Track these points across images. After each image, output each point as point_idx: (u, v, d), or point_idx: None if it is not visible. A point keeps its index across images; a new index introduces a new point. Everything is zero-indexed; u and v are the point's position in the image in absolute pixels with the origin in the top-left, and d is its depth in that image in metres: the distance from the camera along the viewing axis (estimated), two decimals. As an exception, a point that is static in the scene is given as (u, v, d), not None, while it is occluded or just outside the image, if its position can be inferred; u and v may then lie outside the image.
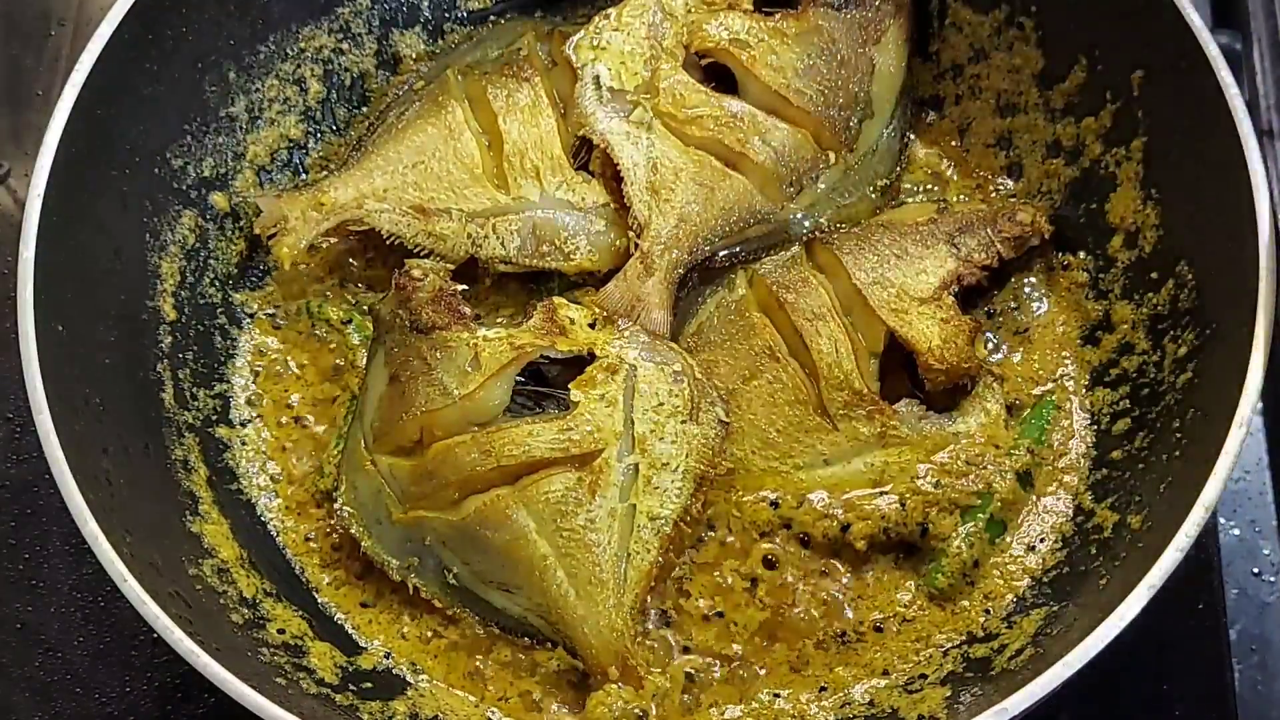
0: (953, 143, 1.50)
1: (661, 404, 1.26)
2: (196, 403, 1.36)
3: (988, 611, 1.27)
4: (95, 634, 1.37)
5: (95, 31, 1.26)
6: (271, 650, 1.20)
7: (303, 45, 1.47)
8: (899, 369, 1.32)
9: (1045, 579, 1.27)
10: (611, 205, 1.40)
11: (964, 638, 1.26)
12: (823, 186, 1.41)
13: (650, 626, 1.27)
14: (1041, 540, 1.29)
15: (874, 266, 1.32)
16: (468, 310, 1.29)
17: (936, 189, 1.48)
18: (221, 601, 1.21)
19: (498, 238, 1.38)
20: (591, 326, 1.28)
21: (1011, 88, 1.45)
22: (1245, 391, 1.10)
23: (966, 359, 1.30)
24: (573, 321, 1.28)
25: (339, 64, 1.51)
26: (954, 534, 1.27)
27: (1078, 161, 1.39)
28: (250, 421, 1.39)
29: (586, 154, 1.42)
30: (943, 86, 1.51)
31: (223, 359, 1.41)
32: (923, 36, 1.50)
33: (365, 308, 1.43)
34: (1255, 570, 1.42)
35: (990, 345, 1.39)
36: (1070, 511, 1.30)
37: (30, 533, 1.41)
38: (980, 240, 1.36)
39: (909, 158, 1.48)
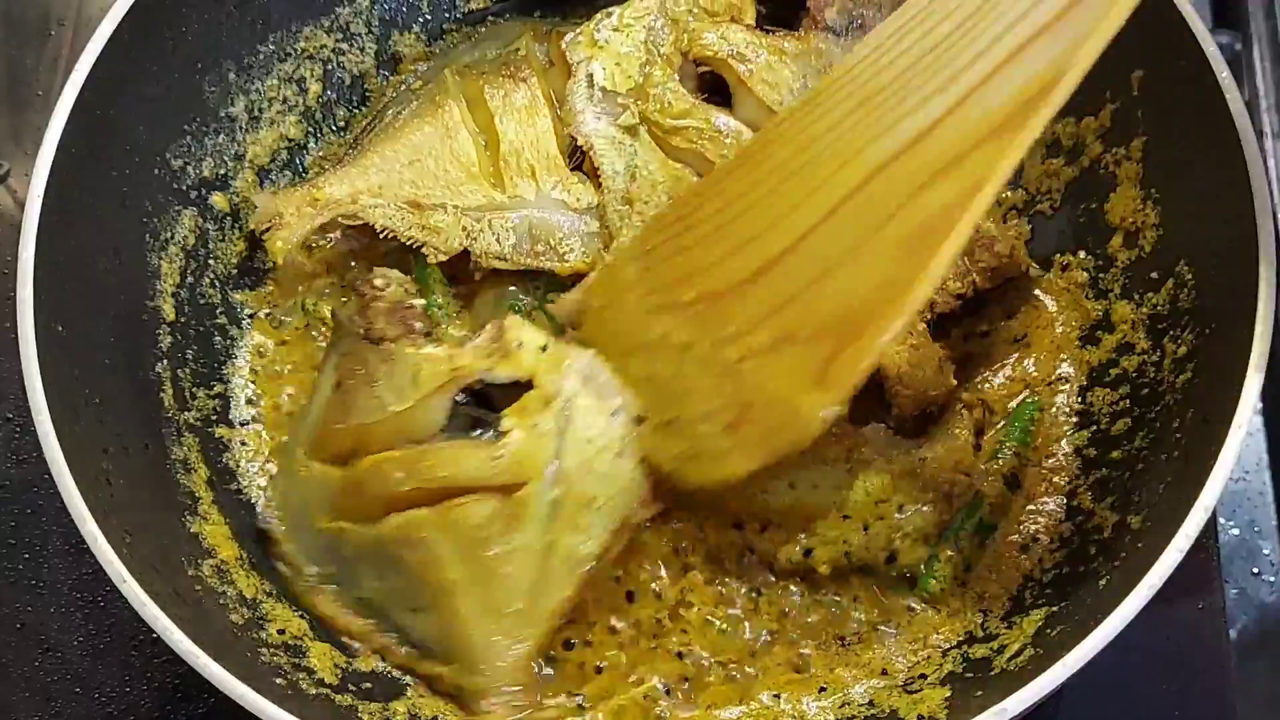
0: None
1: (592, 439, 1.22)
2: (196, 403, 1.36)
3: (985, 612, 1.27)
4: (95, 634, 1.36)
5: (95, 31, 1.26)
6: (271, 650, 1.19)
7: (303, 45, 1.47)
8: (868, 395, 1.27)
9: (1045, 579, 1.27)
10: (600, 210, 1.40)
11: (963, 638, 1.26)
12: None
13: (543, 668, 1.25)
14: (1038, 540, 1.29)
15: None
16: (419, 325, 1.26)
17: None
18: (221, 601, 1.20)
19: (493, 234, 1.38)
20: (543, 350, 1.23)
21: (1011, 88, 1.45)
22: (1245, 391, 1.10)
23: (934, 386, 1.29)
24: (521, 345, 1.22)
25: (339, 64, 1.51)
26: (922, 560, 1.26)
27: (1077, 161, 1.39)
28: (250, 421, 1.39)
29: (582, 155, 1.42)
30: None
31: (223, 359, 1.41)
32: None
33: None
34: (1255, 570, 1.42)
35: (981, 364, 1.37)
36: (1066, 512, 1.30)
37: (30, 533, 1.41)
38: (957, 270, 1.34)
39: None
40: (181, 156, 1.38)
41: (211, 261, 1.42)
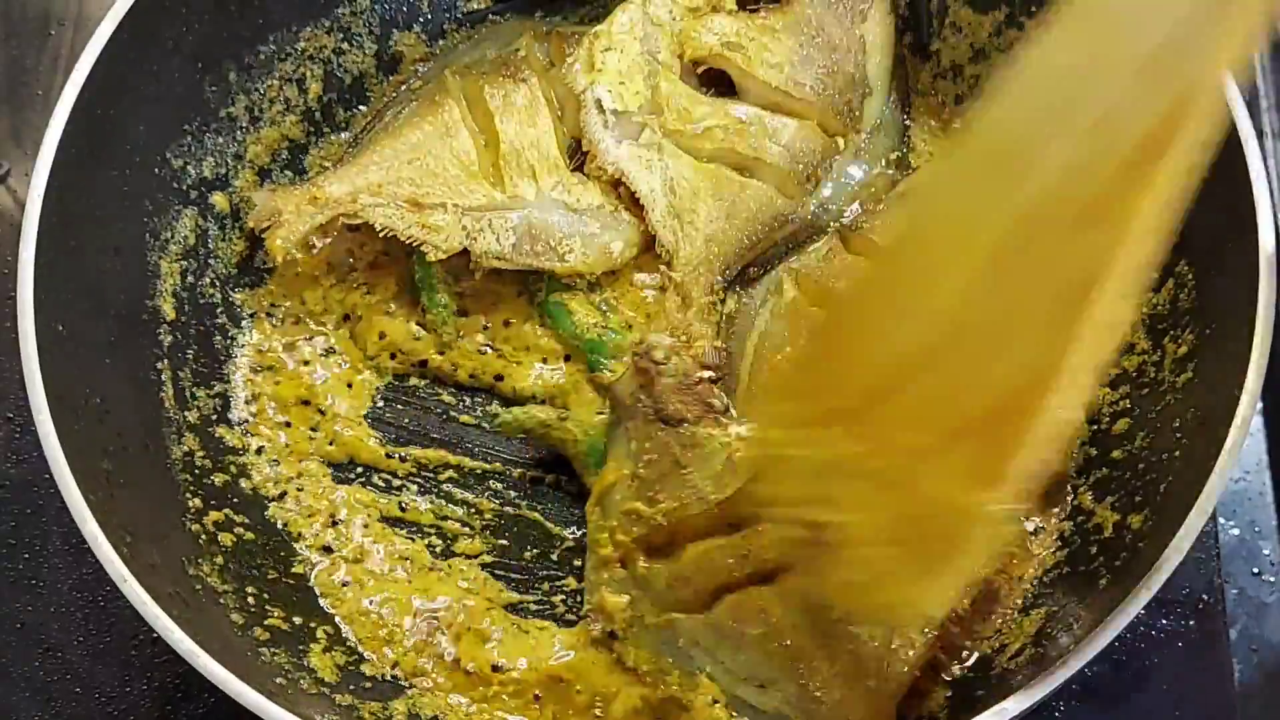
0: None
1: None
2: (196, 403, 1.36)
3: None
4: (95, 634, 1.36)
5: (95, 31, 1.26)
6: (272, 650, 1.20)
7: (303, 45, 1.47)
8: None
9: (1045, 579, 1.27)
10: (606, 208, 1.39)
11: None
12: (837, 173, 1.41)
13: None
14: (1038, 539, 1.29)
15: None
16: (718, 403, 1.21)
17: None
18: (221, 601, 1.20)
19: (493, 233, 1.37)
20: None
21: (1011, 88, 1.45)
22: (1245, 391, 1.10)
23: None
24: None
25: (339, 64, 1.51)
26: None
27: (1078, 161, 1.39)
28: (250, 421, 1.39)
29: (582, 156, 1.41)
30: (942, 86, 1.51)
31: (223, 359, 1.41)
32: (923, 37, 1.50)
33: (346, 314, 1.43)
34: (1255, 570, 1.42)
35: None
36: (1066, 511, 1.30)
37: (30, 533, 1.41)
38: None
39: (910, 143, 1.48)
40: (181, 156, 1.38)
41: (211, 261, 1.42)
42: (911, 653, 1.16)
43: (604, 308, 1.41)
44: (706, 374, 1.23)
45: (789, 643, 1.13)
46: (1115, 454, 1.28)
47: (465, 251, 1.38)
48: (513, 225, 1.38)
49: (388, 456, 1.40)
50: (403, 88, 1.52)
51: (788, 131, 1.39)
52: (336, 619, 1.31)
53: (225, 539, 1.28)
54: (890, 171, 1.43)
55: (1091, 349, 0.90)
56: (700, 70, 1.42)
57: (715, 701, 1.18)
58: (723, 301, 1.37)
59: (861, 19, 1.42)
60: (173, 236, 1.37)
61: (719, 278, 1.37)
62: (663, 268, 1.37)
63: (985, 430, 0.94)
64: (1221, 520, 1.41)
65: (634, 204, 1.40)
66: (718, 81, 1.42)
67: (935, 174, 1.13)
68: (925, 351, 0.98)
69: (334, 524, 1.36)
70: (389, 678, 1.27)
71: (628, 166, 1.39)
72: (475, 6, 1.57)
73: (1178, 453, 1.18)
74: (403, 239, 1.37)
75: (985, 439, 0.94)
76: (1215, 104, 0.89)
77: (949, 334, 0.97)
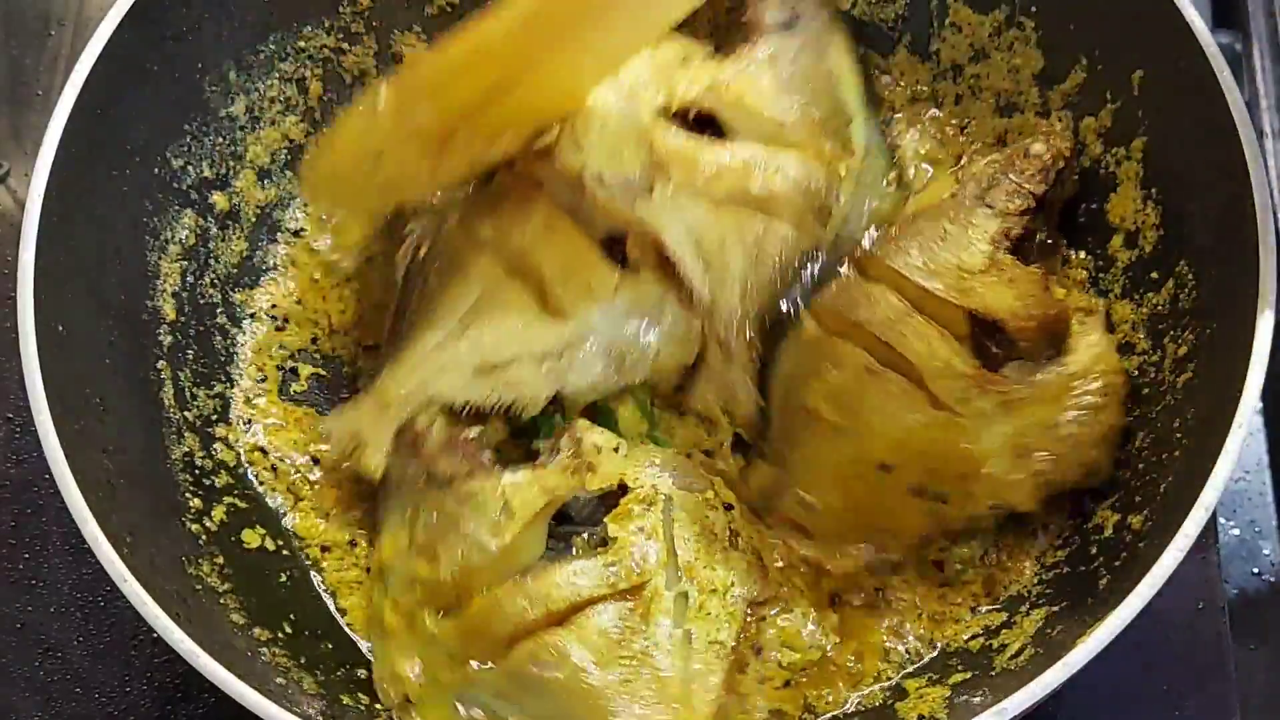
0: (952, 135, 1.50)
1: (701, 532, 1.21)
2: (196, 402, 1.36)
3: (974, 610, 1.27)
4: (95, 634, 1.36)
5: (95, 31, 1.26)
6: (272, 650, 1.20)
7: (303, 45, 1.47)
8: (993, 340, 1.27)
9: (1045, 579, 1.27)
10: (671, 294, 1.32)
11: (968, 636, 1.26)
12: (844, 201, 1.37)
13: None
14: (1037, 539, 1.29)
15: (923, 258, 1.28)
16: (488, 455, 1.22)
17: (942, 165, 1.47)
18: (221, 601, 1.21)
19: (579, 370, 1.29)
20: (616, 450, 1.22)
21: (1011, 88, 1.45)
22: (1245, 391, 1.10)
23: (1049, 305, 1.26)
24: (599, 449, 1.21)
25: (339, 64, 1.51)
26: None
27: (1078, 161, 1.39)
28: (250, 421, 1.39)
29: (623, 251, 1.33)
30: (942, 86, 1.51)
31: (223, 359, 1.41)
32: (923, 36, 1.50)
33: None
34: (1255, 570, 1.42)
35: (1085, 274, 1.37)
36: (1067, 511, 1.30)
37: (30, 533, 1.41)
38: (1007, 189, 1.31)
39: (901, 155, 1.47)
40: (181, 156, 1.38)
41: (211, 261, 1.42)
42: (714, 679, 1.16)
43: (653, 415, 1.36)
44: (472, 432, 1.25)
45: (587, 684, 1.13)
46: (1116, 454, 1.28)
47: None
48: (594, 354, 1.30)
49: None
50: (409, 257, 1.40)
51: (793, 165, 1.34)
52: (338, 618, 1.31)
53: (225, 539, 1.28)
54: (893, 191, 1.42)
55: None
56: (690, 117, 1.36)
57: None
58: (761, 354, 1.33)
59: (823, 54, 1.41)
60: (173, 236, 1.37)
61: (755, 324, 1.32)
62: (698, 321, 1.32)
63: None
64: (1221, 520, 1.42)
65: (662, 267, 1.32)
66: (705, 125, 1.36)
67: None
68: None
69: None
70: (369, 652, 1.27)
71: (653, 220, 1.31)
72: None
73: (1177, 453, 1.18)
74: (486, 409, 1.28)
75: None
76: None
77: None
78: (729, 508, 1.28)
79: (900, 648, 1.27)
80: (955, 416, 1.23)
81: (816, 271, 1.35)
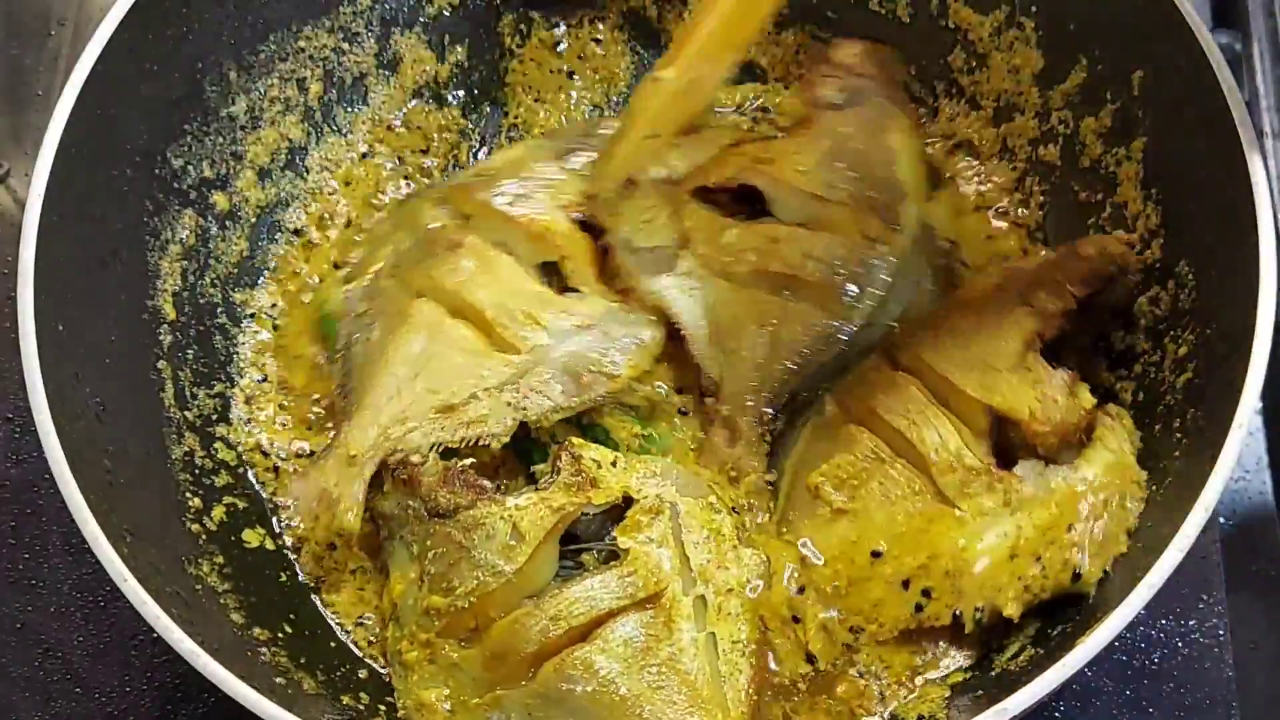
0: (951, 141, 1.51)
1: (709, 535, 1.22)
2: (196, 402, 1.36)
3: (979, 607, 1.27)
4: (95, 634, 1.36)
5: (95, 31, 1.26)
6: (272, 650, 1.20)
7: (303, 45, 1.47)
8: (1014, 436, 1.25)
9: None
10: (615, 308, 1.34)
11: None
12: (881, 282, 1.34)
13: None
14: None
15: (954, 352, 1.26)
16: (487, 483, 1.23)
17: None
18: (222, 601, 1.21)
19: (537, 394, 1.30)
20: (614, 464, 1.23)
21: (1011, 88, 1.45)
22: (1245, 391, 1.10)
23: (1070, 413, 1.23)
24: (598, 464, 1.22)
25: (339, 64, 1.51)
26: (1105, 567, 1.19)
27: (1078, 161, 1.39)
28: (250, 421, 1.39)
29: (562, 279, 1.36)
30: (942, 87, 1.51)
31: (223, 359, 1.41)
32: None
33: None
34: (1255, 570, 1.42)
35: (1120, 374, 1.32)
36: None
37: (30, 533, 1.41)
38: (1051, 288, 1.29)
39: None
40: (181, 156, 1.38)
41: (211, 261, 1.42)
42: (743, 678, 1.17)
43: (648, 430, 1.36)
44: (467, 461, 1.26)
45: (617, 695, 1.14)
46: (1115, 454, 1.28)
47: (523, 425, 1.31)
48: (550, 376, 1.30)
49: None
50: (351, 317, 1.40)
51: (822, 244, 1.32)
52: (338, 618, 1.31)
53: (225, 539, 1.28)
54: (936, 277, 1.38)
55: None
56: (734, 188, 1.38)
57: None
58: (774, 431, 1.33)
59: (883, 132, 1.40)
60: (173, 236, 1.37)
61: (766, 406, 1.32)
62: (708, 400, 1.33)
63: None
64: (1221, 520, 1.42)
65: (609, 281, 1.36)
66: (749, 199, 1.38)
67: None
68: None
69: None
70: (389, 677, 1.27)
71: (668, 296, 1.34)
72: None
73: (1178, 453, 1.18)
74: (454, 445, 1.28)
75: None
76: None
77: None
78: (735, 511, 1.29)
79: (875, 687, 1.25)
80: (956, 511, 1.21)
81: (845, 354, 1.34)
